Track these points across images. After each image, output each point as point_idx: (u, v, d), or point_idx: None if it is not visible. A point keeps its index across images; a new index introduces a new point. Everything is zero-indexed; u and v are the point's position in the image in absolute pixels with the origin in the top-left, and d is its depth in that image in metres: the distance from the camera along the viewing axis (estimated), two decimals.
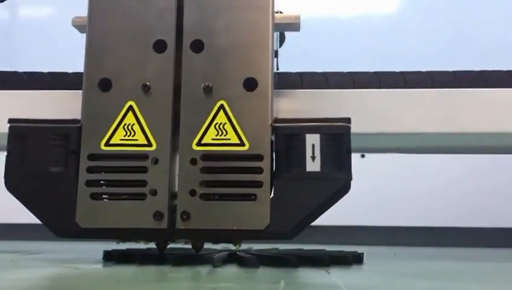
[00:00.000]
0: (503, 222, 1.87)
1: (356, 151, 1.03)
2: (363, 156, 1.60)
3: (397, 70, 1.00)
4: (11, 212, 0.83)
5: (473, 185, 1.91)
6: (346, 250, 1.07)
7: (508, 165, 1.68)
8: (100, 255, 0.93)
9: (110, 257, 0.91)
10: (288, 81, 0.96)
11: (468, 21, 2.10)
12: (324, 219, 1.79)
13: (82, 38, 0.85)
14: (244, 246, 1.05)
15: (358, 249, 1.08)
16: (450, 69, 0.99)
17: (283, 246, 1.15)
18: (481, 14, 2.09)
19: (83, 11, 0.86)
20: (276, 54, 0.91)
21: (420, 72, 0.99)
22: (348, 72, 0.99)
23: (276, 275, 0.73)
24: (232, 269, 0.79)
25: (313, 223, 1.81)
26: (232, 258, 0.91)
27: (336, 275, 0.74)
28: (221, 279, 0.70)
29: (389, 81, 0.96)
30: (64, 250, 1.27)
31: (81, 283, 0.67)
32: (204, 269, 0.77)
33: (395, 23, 2.15)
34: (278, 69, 0.99)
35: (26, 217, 0.86)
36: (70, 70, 0.98)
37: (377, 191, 1.89)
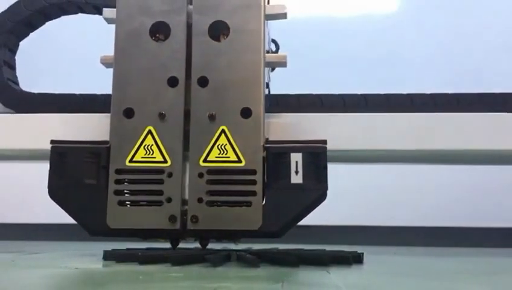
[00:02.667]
0: (504, 221, 1.90)
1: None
2: None
3: (382, 93, 1.11)
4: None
5: (473, 185, 1.94)
6: (346, 250, 1.09)
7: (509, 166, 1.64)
8: (100, 255, 0.99)
9: (110, 257, 0.98)
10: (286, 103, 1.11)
11: (468, 20, 2.10)
12: (324, 219, 1.88)
13: None
14: (244, 246, 1.15)
15: (358, 249, 1.10)
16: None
17: (283, 246, 1.19)
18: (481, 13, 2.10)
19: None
20: (267, 84, 1.08)
21: (402, 94, 1.11)
22: (339, 94, 1.12)
23: (276, 275, 0.76)
24: (232, 269, 0.84)
25: (313, 223, 1.93)
26: (233, 257, 0.97)
27: (335, 275, 0.76)
28: (222, 278, 0.72)
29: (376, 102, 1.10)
30: (65, 250, 1.31)
31: (81, 283, 0.68)
32: (204, 269, 0.82)
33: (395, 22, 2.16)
34: (269, 92, 1.16)
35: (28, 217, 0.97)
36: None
37: (377, 191, 1.95)
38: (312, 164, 0.93)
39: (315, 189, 0.92)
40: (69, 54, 2.16)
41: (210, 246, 1.03)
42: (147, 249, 1.08)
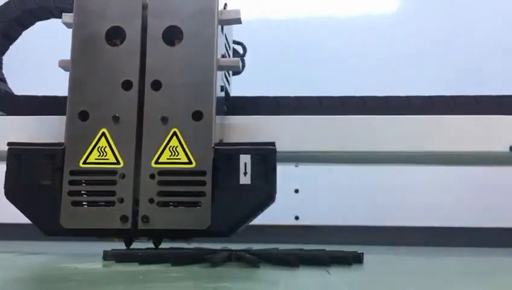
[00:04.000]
0: (504, 221, 1.89)
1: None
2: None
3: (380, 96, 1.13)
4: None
5: (474, 185, 1.93)
6: (346, 250, 1.08)
7: (509, 166, 1.60)
8: (100, 255, 1.00)
9: (110, 257, 0.99)
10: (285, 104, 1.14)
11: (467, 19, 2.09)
12: (324, 219, 1.90)
13: None
14: (244, 246, 1.17)
15: (358, 249, 1.09)
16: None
17: (283, 246, 1.20)
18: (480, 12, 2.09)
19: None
20: (224, 88, 1.10)
21: (400, 96, 1.14)
22: (339, 96, 1.14)
23: (275, 275, 0.76)
24: (232, 269, 0.85)
25: (313, 223, 1.94)
26: (233, 257, 0.98)
27: (335, 275, 0.75)
28: (222, 278, 0.72)
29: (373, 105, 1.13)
30: (64, 250, 1.32)
31: (81, 283, 0.68)
32: (204, 269, 0.83)
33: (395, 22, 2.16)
34: (228, 95, 1.19)
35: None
36: None
37: (376, 191, 1.95)
38: (261, 166, 0.95)
39: (263, 190, 0.95)
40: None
41: (210, 246, 1.06)
42: (147, 249, 1.08)
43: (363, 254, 1.01)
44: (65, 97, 1.13)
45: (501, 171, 1.80)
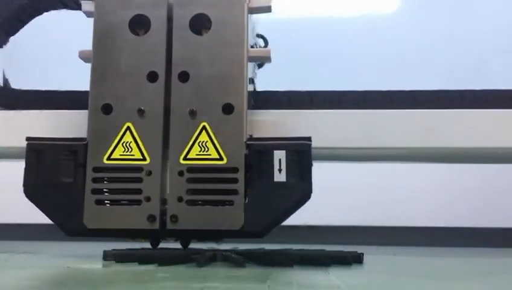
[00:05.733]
0: (504, 221, 1.88)
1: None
2: None
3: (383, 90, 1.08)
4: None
5: (474, 185, 1.91)
6: (346, 250, 1.08)
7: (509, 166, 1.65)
8: (100, 255, 0.98)
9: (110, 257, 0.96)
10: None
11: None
12: (324, 219, 1.89)
13: None
14: (244, 246, 1.13)
15: (358, 249, 1.08)
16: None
17: (283, 246, 1.18)
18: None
19: None
20: (252, 80, 1.05)
21: (405, 91, 1.09)
22: (338, 91, 1.08)
23: (276, 275, 0.75)
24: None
25: (313, 223, 1.92)
26: (225, 257, 0.95)
27: (335, 275, 0.75)
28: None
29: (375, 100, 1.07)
30: (64, 250, 1.29)
31: (81, 283, 0.68)
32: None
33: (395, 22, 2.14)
34: (255, 90, 1.13)
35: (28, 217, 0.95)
36: None
37: (376, 191, 1.91)
38: (296, 162, 0.90)
39: (299, 188, 0.89)
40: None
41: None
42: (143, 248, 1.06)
43: (363, 254, 1.00)
44: (66, 92, 1.10)
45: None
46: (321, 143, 0.96)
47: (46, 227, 1.02)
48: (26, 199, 0.92)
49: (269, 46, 1.19)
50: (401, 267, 0.98)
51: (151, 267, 0.86)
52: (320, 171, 1.85)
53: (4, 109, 1.11)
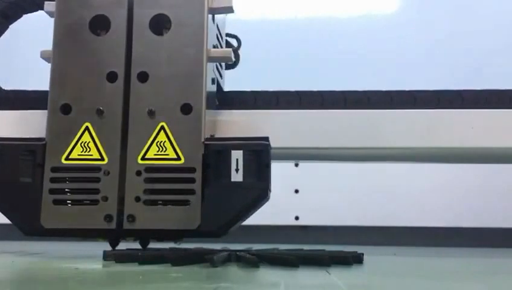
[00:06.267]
0: (504, 222, 1.87)
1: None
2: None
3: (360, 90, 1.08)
4: None
5: (474, 185, 1.90)
6: (346, 250, 1.07)
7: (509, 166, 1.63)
8: (100, 255, 0.97)
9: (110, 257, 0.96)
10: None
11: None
12: (324, 219, 1.89)
13: None
14: (243, 246, 1.15)
15: (358, 249, 1.08)
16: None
17: (283, 246, 1.19)
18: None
19: None
20: (215, 81, 1.05)
21: (404, 91, 1.08)
22: (318, 91, 1.09)
23: (276, 275, 0.75)
24: (232, 269, 0.83)
25: (313, 223, 1.93)
26: (232, 258, 0.95)
27: (335, 275, 0.75)
28: (222, 279, 0.71)
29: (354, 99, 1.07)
30: (64, 250, 1.29)
31: (81, 283, 0.67)
32: (205, 269, 0.81)
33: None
34: (221, 90, 1.13)
35: None
36: None
37: (376, 191, 1.92)
38: (254, 162, 0.90)
39: (256, 187, 0.89)
40: None
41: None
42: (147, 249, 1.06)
43: (363, 254, 0.99)
44: (33, 91, 1.10)
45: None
46: (308, 143, 0.96)
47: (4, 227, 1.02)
48: None
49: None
50: (401, 267, 0.98)
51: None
52: (320, 171, 1.86)
53: None
